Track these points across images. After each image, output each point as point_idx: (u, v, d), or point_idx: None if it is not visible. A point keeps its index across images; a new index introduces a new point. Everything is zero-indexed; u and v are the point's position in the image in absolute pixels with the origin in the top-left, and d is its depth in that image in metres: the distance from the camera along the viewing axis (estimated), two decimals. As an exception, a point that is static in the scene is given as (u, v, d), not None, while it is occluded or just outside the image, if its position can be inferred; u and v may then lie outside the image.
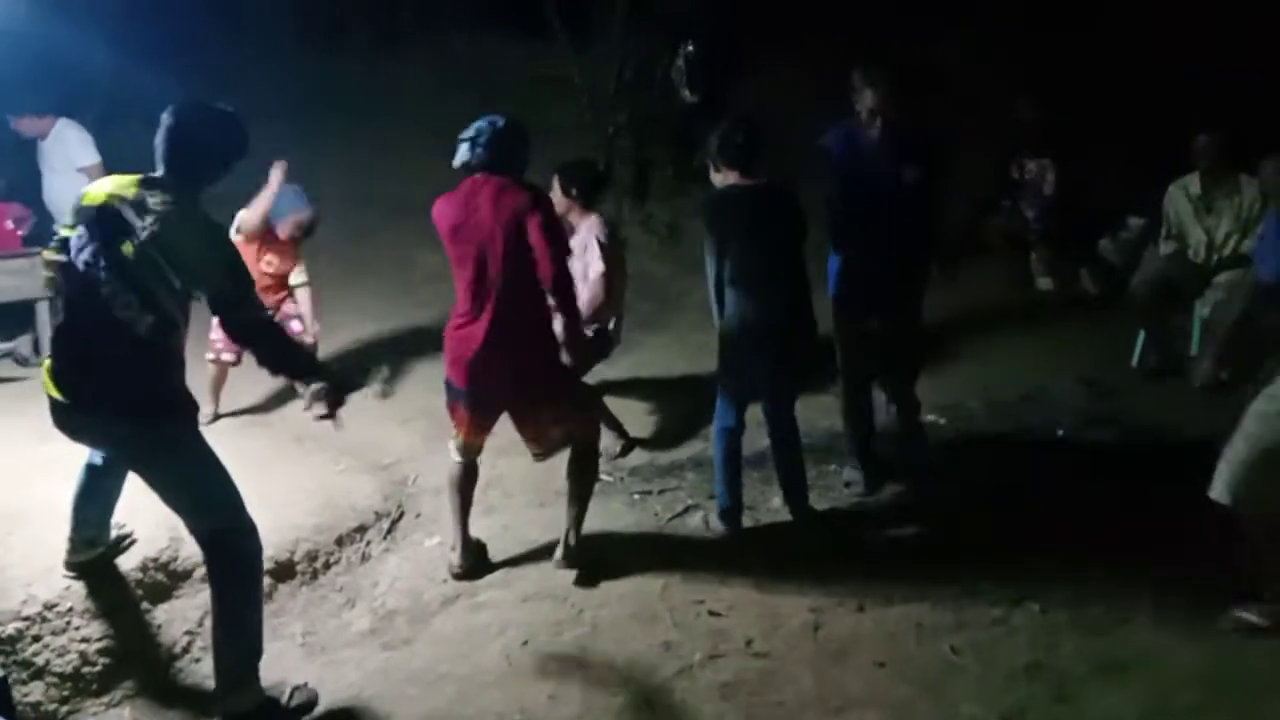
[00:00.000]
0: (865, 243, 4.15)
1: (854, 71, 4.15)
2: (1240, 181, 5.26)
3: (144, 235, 2.81)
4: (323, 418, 3.10)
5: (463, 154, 3.60)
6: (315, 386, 3.11)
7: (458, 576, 3.85)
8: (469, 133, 3.60)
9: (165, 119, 2.94)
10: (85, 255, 2.85)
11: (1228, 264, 5.30)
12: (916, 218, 4.16)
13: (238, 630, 3.03)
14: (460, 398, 3.68)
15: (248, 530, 3.05)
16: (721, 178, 3.96)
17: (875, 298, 4.26)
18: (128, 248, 2.81)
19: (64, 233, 2.93)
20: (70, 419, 2.99)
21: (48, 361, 3.01)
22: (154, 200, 2.86)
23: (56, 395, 2.95)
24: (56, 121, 5.80)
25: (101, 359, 2.89)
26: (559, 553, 3.86)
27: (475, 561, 3.88)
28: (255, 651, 3.06)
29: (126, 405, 2.90)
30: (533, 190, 3.57)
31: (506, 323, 3.53)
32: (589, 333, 4.87)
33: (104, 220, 2.86)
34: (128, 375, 2.89)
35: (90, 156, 5.78)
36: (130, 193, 2.87)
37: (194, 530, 3.06)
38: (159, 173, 2.94)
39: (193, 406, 3.05)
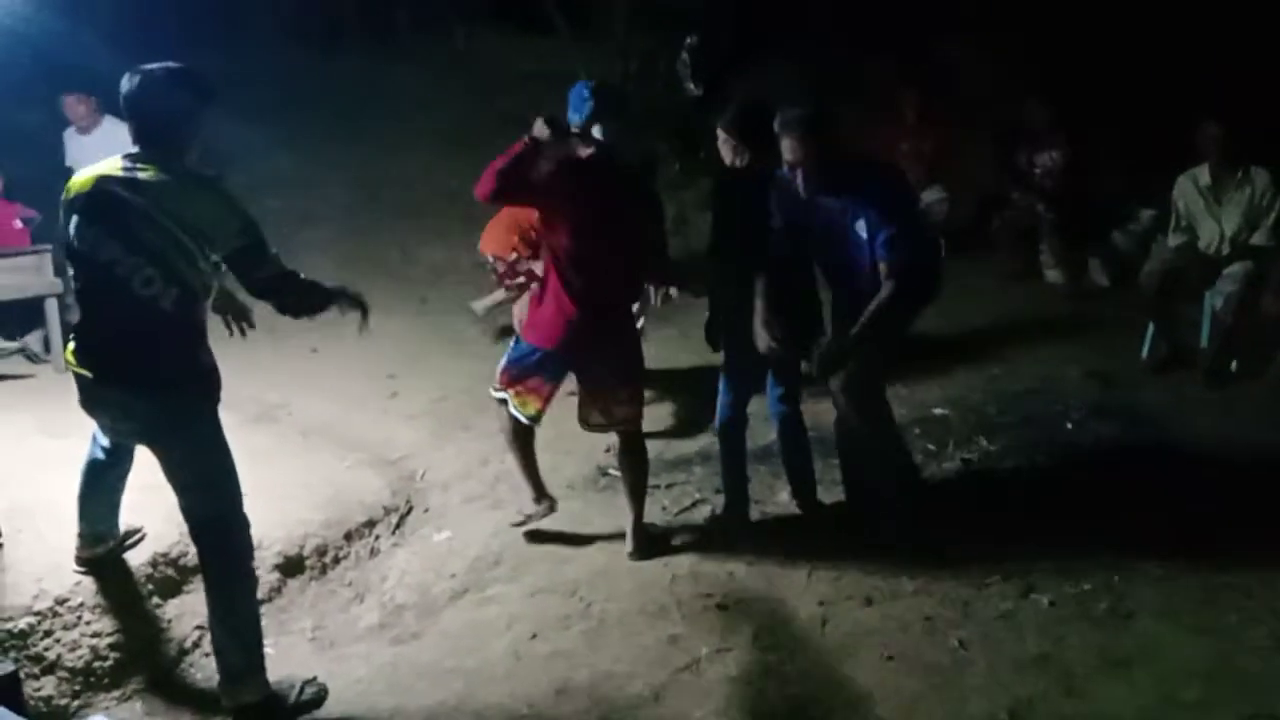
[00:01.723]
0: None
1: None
2: (1250, 172, 5.23)
3: (148, 207, 2.80)
4: (361, 326, 3.25)
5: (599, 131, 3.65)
6: (342, 304, 3.18)
7: (545, 513, 4.01)
8: (593, 103, 3.62)
9: (122, 96, 2.92)
10: (90, 240, 2.85)
11: (1238, 255, 5.28)
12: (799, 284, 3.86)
13: (235, 624, 3.03)
14: (543, 363, 3.71)
15: (242, 524, 3.05)
16: (731, 150, 3.83)
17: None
18: (136, 223, 2.80)
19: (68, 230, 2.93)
20: (93, 392, 2.99)
21: (71, 345, 3.02)
22: (145, 175, 2.84)
23: (81, 371, 2.97)
24: (104, 118, 5.81)
25: (126, 336, 2.88)
26: (630, 545, 3.89)
27: (550, 505, 4.03)
28: (255, 645, 3.06)
29: (153, 379, 2.90)
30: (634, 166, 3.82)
31: (609, 296, 3.69)
32: None
33: (99, 202, 2.85)
34: (154, 350, 2.88)
35: None
36: (117, 172, 2.87)
37: (190, 514, 3.04)
38: (137, 150, 2.92)
39: (217, 382, 3.04)
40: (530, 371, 3.74)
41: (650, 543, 3.90)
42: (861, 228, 3.59)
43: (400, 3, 10.33)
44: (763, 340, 3.73)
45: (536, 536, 4.06)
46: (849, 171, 3.62)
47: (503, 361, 3.85)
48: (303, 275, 3.07)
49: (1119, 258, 6.68)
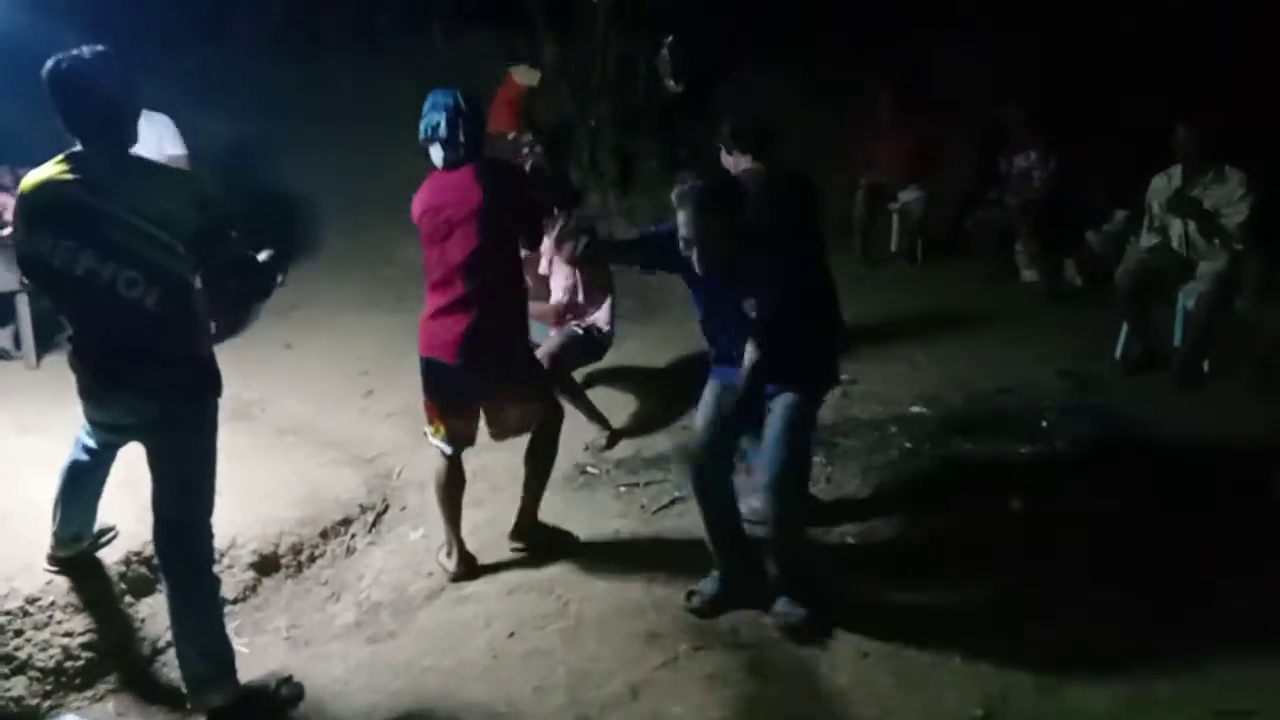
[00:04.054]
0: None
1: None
2: (1224, 172, 5.28)
3: (114, 208, 2.69)
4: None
5: (440, 155, 3.60)
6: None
7: (455, 580, 3.82)
8: (438, 131, 3.55)
9: (50, 85, 2.73)
10: (64, 254, 2.73)
11: (1210, 255, 5.33)
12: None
13: (196, 630, 3.00)
14: (441, 383, 3.66)
15: (206, 533, 3.02)
16: (734, 161, 3.78)
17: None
18: (104, 227, 2.70)
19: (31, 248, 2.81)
20: (97, 394, 2.96)
21: (69, 350, 2.99)
22: (99, 173, 2.72)
23: (83, 375, 2.94)
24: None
25: (122, 345, 2.83)
26: (512, 530, 3.89)
27: (469, 568, 3.84)
28: (219, 650, 3.03)
29: (158, 382, 2.85)
30: (506, 170, 3.69)
31: (491, 305, 3.58)
32: (579, 330, 4.90)
33: (64, 213, 2.73)
34: (153, 353, 2.83)
35: (181, 146, 5.73)
36: (66, 175, 2.74)
37: (160, 511, 2.99)
38: (78, 147, 2.77)
39: (218, 375, 3.00)
40: (446, 394, 3.68)
41: (532, 532, 3.89)
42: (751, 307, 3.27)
43: (380, 3, 10.29)
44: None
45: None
46: (748, 257, 3.21)
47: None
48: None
49: (1093, 258, 6.74)
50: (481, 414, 3.80)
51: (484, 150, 3.66)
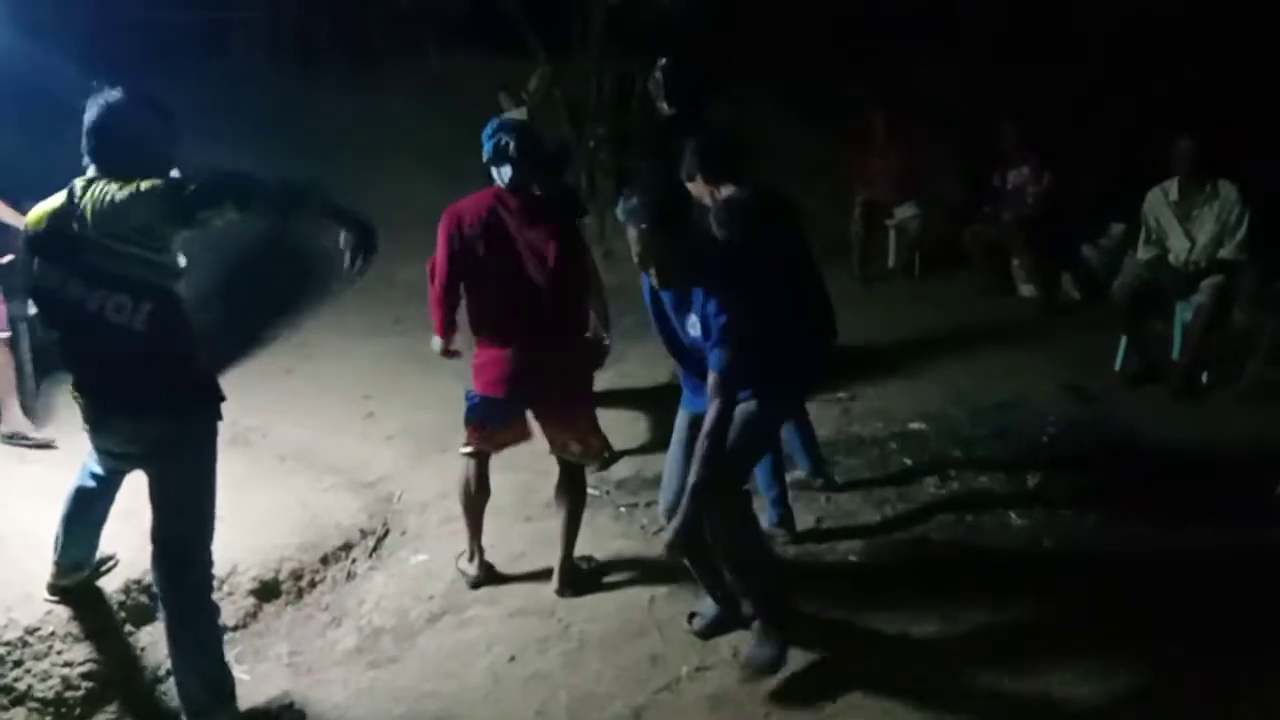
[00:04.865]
0: None
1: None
2: (1219, 186, 5.30)
3: (95, 235, 2.67)
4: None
5: (508, 175, 3.59)
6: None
7: (474, 585, 3.86)
8: (509, 150, 3.55)
9: (88, 115, 2.77)
10: (53, 280, 2.77)
11: (1208, 269, 5.34)
12: None
13: (194, 658, 2.98)
14: (495, 410, 3.68)
15: (206, 560, 3.00)
16: (703, 190, 3.76)
17: None
18: (88, 255, 2.70)
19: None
20: (99, 419, 2.96)
21: (74, 387, 2.98)
22: (83, 198, 2.67)
23: (84, 402, 2.94)
24: None
25: (116, 368, 2.82)
26: (556, 582, 3.80)
27: (489, 574, 3.90)
28: (218, 678, 3.00)
29: (156, 404, 2.85)
30: (563, 203, 3.69)
31: (552, 330, 3.60)
32: None
33: (54, 241, 2.76)
34: (145, 374, 2.82)
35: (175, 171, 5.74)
36: (59, 205, 2.76)
37: (160, 538, 2.97)
38: (90, 173, 2.78)
39: (218, 394, 2.99)
40: (494, 422, 3.71)
41: (579, 578, 3.83)
42: (694, 325, 3.08)
43: (374, 25, 10.35)
44: None
45: (515, 559, 4.04)
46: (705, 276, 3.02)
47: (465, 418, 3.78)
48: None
49: (1090, 272, 6.76)
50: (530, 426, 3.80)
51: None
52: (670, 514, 3.18)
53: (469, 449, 3.79)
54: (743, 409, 3.13)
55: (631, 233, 3.00)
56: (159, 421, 2.88)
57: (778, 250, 3.56)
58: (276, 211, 2.75)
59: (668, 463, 3.36)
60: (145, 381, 2.84)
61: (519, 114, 7.99)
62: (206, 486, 2.98)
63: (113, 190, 2.60)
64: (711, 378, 2.97)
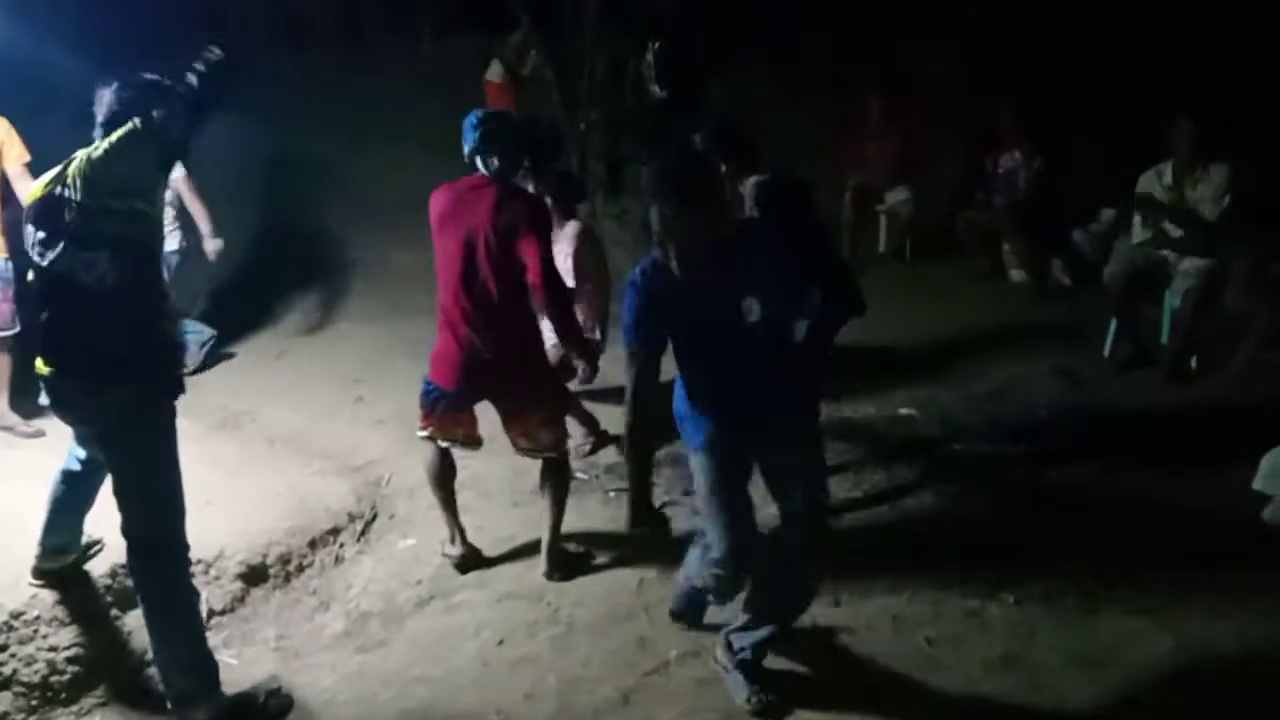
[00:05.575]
0: None
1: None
2: (1210, 169, 5.28)
3: (82, 198, 2.76)
4: None
5: (491, 166, 3.57)
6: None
7: (461, 568, 3.86)
8: (489, 140, 3.54)
9: (107, 94, 2.87)
10: (39, 244, 2.84)
11: (1194, 232, 5.31)
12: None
13: (175, 646, 2.98)
14: (444, 398, 3.67)
15: (180, 546, 3.00)
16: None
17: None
18: (73, 217, 2.78)
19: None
20: (59, 390, 2.96)
21: (39, 357, 2.98)
22: (72, 165, 2.82)
23: (46, 370, 2.94)
24: None
25: (85, 325, 2.85)
26: (545, 565, 3.80)
27: (473, 553, 3.90)
28: (201, 665, 3.01)
29: (115, 366, 2.85)
30: (533, 202, 3.62)
31: (503, 324, 3.56)
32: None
33: (45, 208, 2.84)
34: (113, 338, 2.84)
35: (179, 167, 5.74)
36: (53, 174, 2.87)
37: (131, 531, 2.97)
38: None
39: (178, 383, 3.00)
40: (443, 408, 3.69)
41: (567, 562, 3.82)
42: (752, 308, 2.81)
43: (368, 9, 10.29)
44: None
45: (504, 542, 4.03)
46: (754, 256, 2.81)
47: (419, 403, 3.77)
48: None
49: (1081, 258, 6.75)
50: (491, 419, 3.79)
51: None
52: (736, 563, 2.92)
53: (424, 433, 3.78)
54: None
55: (656, 206, 2.78)
56: (114, 390, 2.87)
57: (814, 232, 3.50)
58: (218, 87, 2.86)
59: (717, 520, 2.92)
60: (108, 344, 2.85)
61: (495, 73, 8.04)
62: (169, 473, 2.97)
63: (94, 151, 2.75)
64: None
